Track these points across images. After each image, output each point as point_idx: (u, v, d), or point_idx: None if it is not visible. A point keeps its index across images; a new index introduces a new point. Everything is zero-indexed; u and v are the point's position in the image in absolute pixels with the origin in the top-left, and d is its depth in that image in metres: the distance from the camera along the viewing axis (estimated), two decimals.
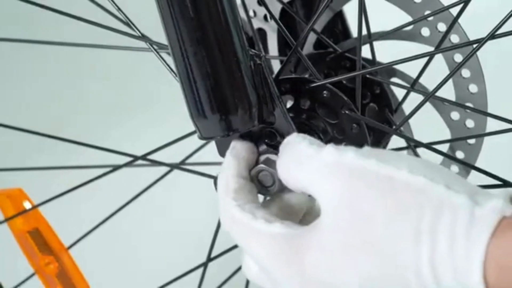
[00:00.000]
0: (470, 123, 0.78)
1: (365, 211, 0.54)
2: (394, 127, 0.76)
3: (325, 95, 0.71)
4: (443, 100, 0.73)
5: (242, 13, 0.81)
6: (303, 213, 0.67)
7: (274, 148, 0.68)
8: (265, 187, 0.67)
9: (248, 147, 0.66)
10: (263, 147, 0.69)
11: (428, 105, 0.77)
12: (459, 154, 0.79)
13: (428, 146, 0.75)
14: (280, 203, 0.65)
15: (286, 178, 0.62)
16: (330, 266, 0.55)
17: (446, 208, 0.52)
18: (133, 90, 1.59)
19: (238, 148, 0.66)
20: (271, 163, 0.68)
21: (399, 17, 0.79)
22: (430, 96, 0.71)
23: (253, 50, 0.68)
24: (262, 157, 0.69)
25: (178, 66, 0.66)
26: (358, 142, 0.72)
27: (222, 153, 0.71)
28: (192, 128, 0.72)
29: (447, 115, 0.79)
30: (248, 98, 0.67)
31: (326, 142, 0.72)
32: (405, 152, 0.81)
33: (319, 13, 0.69)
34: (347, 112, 0.71)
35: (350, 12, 0.84)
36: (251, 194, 0.64)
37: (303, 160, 0.59)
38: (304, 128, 0.72)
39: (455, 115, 0.78)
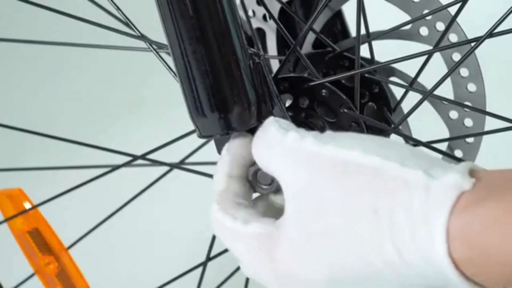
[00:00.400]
0: (468, 122, 0.78)
1: (323, 198, 0.54)
2: (392, 126, 0.76)
3: (323, 93, 0.71)
4: (442, 98, 0.73)
5: (241, 13, 0.82)
6: None
7: None
8: (262, 186, 0.67)
9: (244, 143, 0.66)
10: None
11: (426, 104, 0.77)
12: (458, 153, 0.80)
13: (427, 144, 0.75)
14: (267, 201, 0.66)
15: (259, 161, 0.62)
16: (298, 259, 0.56)
17: (401, 187, 0.51)
18: (133, 89, 1.59)
19: (234, 145, 0.66)
20: None
21: (397, 17, 0.80)
22: (428, 95, 0.71)
23: (252, 49, 0.69)
24: None
25: (177, 64, 0.66)
26: None
27: (221, 151, 0.71)
28: (191, 127, 0.72)
29: (445, 114, 0.79)
30: (247, 97, 0.67)
31: None
32: None
33: (317, 12, 0.69)
34: (345, 110, 0.71)
35: (349, 11, 0.85)
36: (239, 195, 0.64)
37: (272, 144, 0.60)
38: (303, 126, 0.72)
39: (453, 114, 0.79)
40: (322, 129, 0.72)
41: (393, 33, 0.78)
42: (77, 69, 1.62)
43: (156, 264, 1.21)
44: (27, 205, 0.92)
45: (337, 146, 0.56)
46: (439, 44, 0.75)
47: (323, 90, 0.71)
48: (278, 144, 0.59)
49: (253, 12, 0.84)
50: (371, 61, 0.79)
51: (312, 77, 0.72)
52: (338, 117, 0.72)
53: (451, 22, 0.74)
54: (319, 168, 0.56)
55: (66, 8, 0.78)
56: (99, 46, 0.81)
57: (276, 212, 0.64)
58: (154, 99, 1.54)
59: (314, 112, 0.72)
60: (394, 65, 0.79)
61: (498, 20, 0.67)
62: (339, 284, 0.54)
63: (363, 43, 0.77)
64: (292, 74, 0.74)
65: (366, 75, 0.77)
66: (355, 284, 0.54)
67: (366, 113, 0.79)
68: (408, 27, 0.77)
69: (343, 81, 0.77)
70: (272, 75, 0.71)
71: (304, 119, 0.73)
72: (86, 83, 1.63)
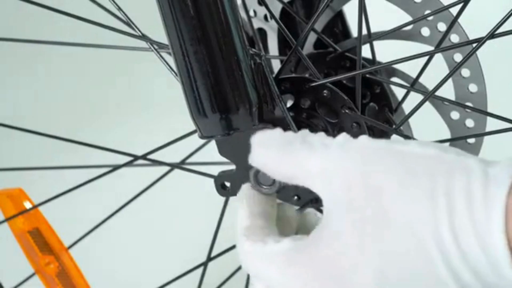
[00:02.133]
0: (470, 123, 0.78)
1: (377, 183, 0.53)
2: (394, 126, 0.76)
3: (325, 94, 0.71)
4: (443, 99, 0.73)
5: (242, 13, 0.82)
6: (296, 229, 0.67)
7: None
8: (264, 187, 0.67)
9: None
10: None
11: (428, 104, 0.77)
12: None
13: None
14: (277, 215, 0.65)
15: (291, 173, 0.59)
16: (348, 254, 0.54)
17: (459, 170, 0.51)
18: (133, 89, 1.59)
19: (244, 189, 0.66)
20: None
21: (399, 17, 0.79)
22: (429, 96, 0.71)
23: (253, 50, 0.69)
24: None
25: (179, 65, 0.67)
26: None
27: (222, 152, 0.71)
28: (192, 127, 0.72)
29: (447, 114, 0.79)
30: (249, 97, 0.67)
31: None
32: None
33: (319, 12, 0.69)
34: (347, 111, 0.71)
35: (350, 12, 0.85)
36: (264, 227, 0.62)
37: (316, 147, 0.57)
38: (304, 127, 0.72)
39: (455, 115, 0.78)
40: (323, 130, 0.72)
41: (395, 33, 0.78)
42: (79, 68, 1.61)
43: (156, 264, 1.21)
44: (28, 205, 0.92)
45: (390, 142, 0.55)
46: (441, 45, 0.74)
47: (325, 91, 0.71)
48: (325, 146, 0.57)
49: (255, 12, 0.84)
50: (373, 61, 0.79)
51: (314, 78, 0.72)
52: (339, 117, 0.72)
53: (453, 22, 0.73)
54: (373, 156, 0.55)
55: (67, 8, 0.78)
56: (101, 46, 0.81)
57: (283, 227, 0.64)
58: (155, 99, 1.54)
59: (315, 113, 0.72)
60: (396, 66, 0.79)
61: (500, 21, 0.66)
62: (389, 280, 0.53)
63: (364, 43, 0.77)
64: (293, 75, 0.74)
65: (368, 75, 0.76)
66: (404, 280, 0.53)
67: (367, 113, 0.78)
68: (409, 27, 0.77)
69: (344, 82, 0.76)
70: (274, 75, 0.71)
71: (305, 119, 0.73)
72: (87, 83, 1.63)
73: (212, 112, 0.67)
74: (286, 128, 0.68)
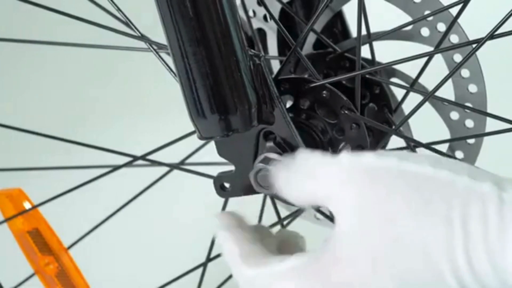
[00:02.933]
0: (469, 123, 0.78)
1: (392, 209, 0.54)
2: (393, 127, 0.76)
3: (324, 95, 0.71)
4: (443, 100, 0.73)
5: (241, 13, 0.81)
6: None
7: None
8: (262, 187, 0.68)
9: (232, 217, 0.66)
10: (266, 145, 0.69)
11: (428, 105, 0.77)
12: (459, 154, 0.79)
13: (428, 146, 0.75)
14: (277, 240, 0.66)
15: (298, 194, 0.60)
16: (362, 276, 0.55)
17: (474, 196, 0.52)
18: (133, 90, 1.59)
19: (224, 219, 0.66)
20: (269, 162, 0.68)
21: (398, 17, 0.79)
22: (429, 96, 0.71)
23: (252, 50, 0.68)
24: (260, 156, 0.69)
25: (178, 66, 0.66)
26: (357, 142, 0.72)
27: (221, 153, 0.71)
28: (191, 128, 0.72)
29: (446, 115, 0.79)
30: (248, 98, 0.67)
31: (326, 142, 0.72)
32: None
33: (318, 13, 0.69)
34: (346, 112, 0.71)
35: (350, 12, 0.84)
36: (260, 249, 0.63)
37: (318, 172, 0.58)
38: (303, 127, 0.72)
39: (454, 115, 0.78)
40: (322, 131, 0.72)
41: (394, 34, 0.77)
42: (78, 68, 1.61)
43: (156, 265, 1.21)
44: (27, 205, 0.92)
45: (402, 159, 0.55)
46: (440, 46, 0.74)
47: (324, 91, 0.71)
48: (328, 167, 0.58)
49: (254, 12, 0.84)
50: (372, 62, 0.79)
51: (313, 78, 0.72)
52: (338, 118, 0.72)
53: (452, 23, 0.73)
54: (386, 180, 0.55)
55: (65, 7, 0.78)
56: (100, 46, 0.81)
57: (284, 249, 0.65)
58: (154, 99, 1.54)
59: (314, 113, 0.72)
60: (396, 66, 0.79)
61: (500, 21, 0.66)
62: None
63: (364, 43, 0.76)
64: (292, 75, 0.74)
65: (367, 76, 0.76)
66: None
67: (366, 114, 0.78)
68: (409, 27, 0.77)
69: (344, 82, 0.76)
70: (273, 76, 0.70)
71: (305, 120, 0.72)
72: (86, 83, 1.63)
73: (211, 113, 0.66)
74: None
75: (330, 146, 0.73)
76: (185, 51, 0.65)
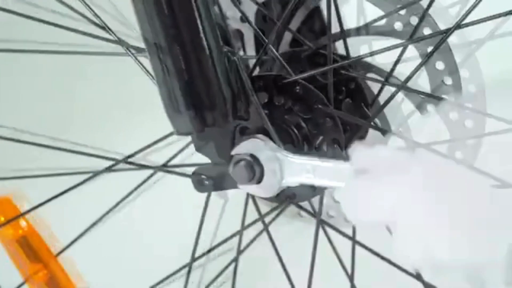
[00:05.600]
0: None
1: None
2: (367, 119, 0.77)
3: (298, 90, 0.72)
4: (414, 91, 0.74)
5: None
6: None
7: None
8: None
9: None
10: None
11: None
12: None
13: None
14: None
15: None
16: None
17: None
18: (114, 91, 1.59)
19: None
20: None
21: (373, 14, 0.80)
22: (401, 87, 0.72)
23: (227, 47, 0.69)
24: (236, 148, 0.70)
25: (153, 63, 0.67)
26: (332, 136, 0.72)
27: (198, 148, 0.72)
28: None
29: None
30: (223, 94, 0.68)
31: (302, 137, 0.73)
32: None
33: (287, 11, 0.70)
34: (320, 106, 0.72)
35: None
36: None
37: None
38: (279, 123, 0.73)
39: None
40: (297, 126, 0.73)
41: (368, 29, 0.78)
42: (66, 71, 1.61)
43: (144, 266, 1.21)
44: (15, 213, 0.92)
45: None
46: (413, 37, 0.75)
47: (297, 87, 0.72)
48: None
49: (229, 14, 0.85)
50: (347, 57, 0.79)
51: (287, 75, 0.73)
52: (313, 113, 0.72)
53: (424, 14, 0.74)
54: None
55: (41, 14, 0.79)
56: (77, 52, 0.82)
57: None
58: (135, 101, 1.54)
59: (289, 109, 0.73)
60: (369, 60, 0.79)
61: (466, 11, 0.67)
62: None
63: (338, 40, 0.77)
64: (266, 73, 0.75)
65: (342, 71, 0.77)
66: None
67: (344, 109, 0.79)
68: (382, 22, 0.78)
69: (319, 78, 0.77)
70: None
71: (279, 116, 0.73)
72: (74, 85, 1.63)
73: (186, 109, 0.67)
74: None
75: (306, 140, 0.73)
76: (160, 47, 0.66)
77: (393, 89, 0.78)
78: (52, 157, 1.01)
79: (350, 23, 0.81)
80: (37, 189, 0.97)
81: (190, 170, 0.84)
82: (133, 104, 1.52)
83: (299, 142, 0.73)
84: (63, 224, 0.99)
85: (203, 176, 0.72)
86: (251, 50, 0.85)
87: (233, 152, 0.69)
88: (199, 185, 0.73)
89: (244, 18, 0.84)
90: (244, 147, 0.69)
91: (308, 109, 0.72)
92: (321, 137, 0.73)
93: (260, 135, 0.69)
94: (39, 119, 1.48)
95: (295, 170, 0.68)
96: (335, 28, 0.84)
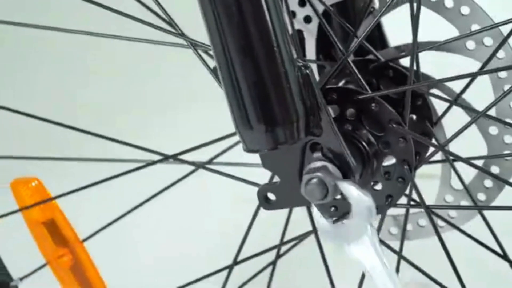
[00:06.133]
0: (508, 139, 0.77)
1: None
2: (436, 142, 0.75)
3: (373, 107, 0.70)
4: (495, 119, 0.72)
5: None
6: None
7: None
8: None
9: None
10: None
11: (467, 119, 0.76)
12: (494, 169, 0.79)
13: (467, 160, 0.74)
14: None
15: None
16: None
17: None
18: (161, 88, 1.56)
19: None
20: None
21: (438, 28, 0.79)
22: (480, 116, 0.70)
23: (300, 61, 0.66)
24: (307, 168, 0.68)
25: (224, 76, 0.64)
26: (403, 157, 0.71)
27: (266, 164, 0.69)
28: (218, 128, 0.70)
29: (485, 129, 0.78)
30: (296, 109, 0.65)
31: (372, 154, 0.71)
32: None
33: (372, 24, 0.68)
34: (394, 126, 0.70)
35: (387, 21, 0.84)
36: None
37: None
38: (349, 139, 0.71)
39: (493, 130, 0.78)
40: (369, 143, 0.71)
41: (441, 46, 0.76)
42: (111, 64, 1.59)
43: (174, 263, 1.19)
44: (45, 195, 0.90)
45: None
46: (489, 62, 0.73)
47: (372, 104, 0.70)
48: None
49: (294, 13, 0.82)
50: (417, 73, 0.77)
51: (360, 89, 0.71)
52: (385, 131, 0.70)
53: (503, 42, 0.72)
54: None
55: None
56: (140, 40, 0.78)
57: None
58: (182, 98, 1.52)
59: (360, 125, 0.71)
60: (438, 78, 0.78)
61: None
62: None
63: (409, 55, 0.75)
64: (340, 86, 0.73)
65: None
66: None
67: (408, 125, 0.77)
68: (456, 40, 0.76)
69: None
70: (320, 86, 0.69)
71: (350, 131, 0.71)
72: (120, 79, 1.61)
73: (258, 124, 0.64)
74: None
75: (375, 158, 0.72)
76: (232, 61, 0.63)
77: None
78: (85, 150, 0.99)
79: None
80: (62, 177, 0.95)
81: (230, 169, 0.83)
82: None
83: (369, 159, 0.71)
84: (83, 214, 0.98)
85: (269, 193, 0.70)
86: (310, 55, 0.83)
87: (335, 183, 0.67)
88: (265, 202, 0.71)
89: (307, 20, 0.82)
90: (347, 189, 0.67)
91: (380, 127, 0.70)
92: (391, 157, 0.71)
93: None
94: (80, 111, 1.46)
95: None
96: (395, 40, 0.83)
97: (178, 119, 1.42)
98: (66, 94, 1.64)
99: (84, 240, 0.91)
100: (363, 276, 0.77)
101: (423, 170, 0.80)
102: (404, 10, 0.75)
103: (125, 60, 1.58)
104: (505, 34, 0.73)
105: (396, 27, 0.86)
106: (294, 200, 0.69)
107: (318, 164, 0.67)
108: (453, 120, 0.80)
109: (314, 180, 0.66)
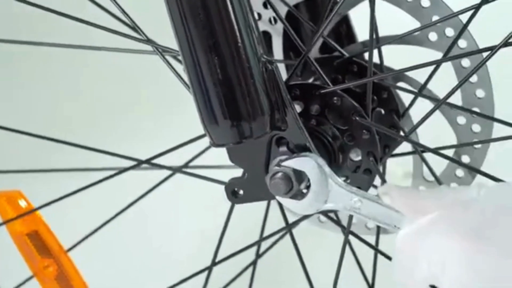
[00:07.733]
0: (476, 128, 0.78)
1: None
2: (403, 133, 0.76)
3: (335, 101, 0.71)
4: (454, 106, 0.73)
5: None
6: None
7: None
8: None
9: None
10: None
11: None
12: (465, 159, 0.79)
13: (435, 151, 0.75)
14: None
15: None
16: None
17: None
18: (136, 92, 1.57)
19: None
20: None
21: (405, 22, 0.79)
22: (441, 104, 0.71)
23: (265, 56, 0.68)
24: (275, 160, 0.69)
25: (190, 73, 0.66)
26: (368, 148, 0.72)
27: (233, 159, 0.71)
28: (195, 131, 0.72)
29: (453, 119, 0.79)
30: (261, 105, 0.67)
31: (337, 148, 0.72)
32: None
33: (330, 18, 0.69)
34: (357, 118, 0.71)
35: (355, 16, 0.84)
36: None
37: None
38: (314, 133, 0.72)
39: (461, 120, 0.78)
40: (334, 137, 0.72)
41: (403, 38, 0.77)
42: (81, 71, 1.60)
43: (156, 268, 1.20)
44: (26, 207, 0.91)
45: None
46: (450, 52, 0.74)
47: (335, 98, 0.71)
48: None
49: (259, 15, 0.83)
50: (380, 66, 0.79)
51: (323, 84, 0.72)
52: (349, 124, 0.71)
53: (462, 30, 0.73)
54: None
55: (71, 10, 0.77)
56: (105, 48, 0.80)
57: None
58: (157, 101, 1.53)
59: (324, 119, 0.72)
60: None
61: None
62: None
63: (374, 48, 0.76)
64: (303, 81, 0.74)
65: (375, 81, 0.76)
66: None
67: (374, 118, 0.78)
68: (417, 32, 0.77)
69: (352, 87, 0.76)
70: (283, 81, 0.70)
71: (315, 126, 0.72)
72: (88, 85, 1.62)
73: (224, 120, 0.66)
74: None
75: (341, 152, 0.72)
76: (198, 58, 0.65)
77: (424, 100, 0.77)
78: (61, 159, 1.00)
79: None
80: (45, 187, 0.96)
81: (207, 172, 0.84)
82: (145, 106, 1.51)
83: (334, 153, 0.72)
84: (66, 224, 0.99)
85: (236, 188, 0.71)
86: (278, 54, 0.84)
87: (282, 164, 0.68)
88: (232, 196, 0.72)
89: (273, 20, 0.83)
90: (293, 163, 0.68)
91: (344, 120, 0.72)
92: (356, 149, 0.72)
93: (311, 154, 0.68)
94: (57, 120, 1.47)
95: (341, 199, 0.67)
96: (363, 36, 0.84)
97: (171, 121, 1.44)
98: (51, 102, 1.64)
99: (68, 250, 0.92)
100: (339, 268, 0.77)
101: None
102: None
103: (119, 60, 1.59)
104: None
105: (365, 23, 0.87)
106: (260, 194, 0.70)
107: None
108: (423, 113, 0.81)
109: (279, 175, 0.67)
